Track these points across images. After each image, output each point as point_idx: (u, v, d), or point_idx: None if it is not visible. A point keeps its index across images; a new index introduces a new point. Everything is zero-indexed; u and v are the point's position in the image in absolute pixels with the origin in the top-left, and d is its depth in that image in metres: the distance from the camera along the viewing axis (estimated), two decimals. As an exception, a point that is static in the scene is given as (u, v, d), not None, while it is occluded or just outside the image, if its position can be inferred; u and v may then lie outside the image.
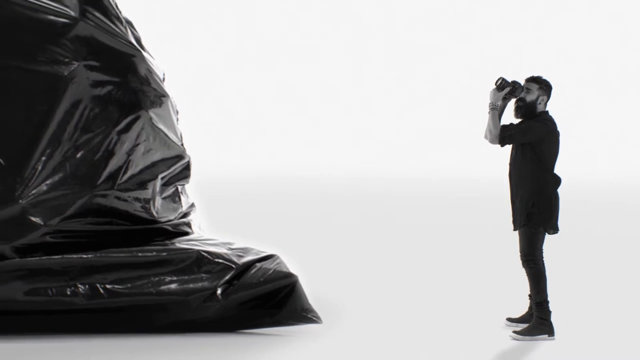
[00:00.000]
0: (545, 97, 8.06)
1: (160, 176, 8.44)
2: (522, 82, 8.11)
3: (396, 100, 28.40)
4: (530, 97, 8.03)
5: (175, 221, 8.57)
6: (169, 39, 27.49)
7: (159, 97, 8.39)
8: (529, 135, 7.93)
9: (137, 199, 8.24)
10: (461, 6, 28.47)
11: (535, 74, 8.19)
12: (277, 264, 8.26)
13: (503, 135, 7.94)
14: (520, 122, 8.07)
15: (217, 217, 10.60)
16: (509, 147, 8.19)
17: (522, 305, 8.70)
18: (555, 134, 8.02)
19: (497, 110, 7.99)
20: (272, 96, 29.15)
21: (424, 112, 27.91)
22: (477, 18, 28.27)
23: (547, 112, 8.08)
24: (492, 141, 8.00)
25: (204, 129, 27.16)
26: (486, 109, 8.07)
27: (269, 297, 8.11)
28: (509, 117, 8.21)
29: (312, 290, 8.57)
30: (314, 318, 8.18)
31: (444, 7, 28.59)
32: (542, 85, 8.08)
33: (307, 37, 29.09)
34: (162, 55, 9.37)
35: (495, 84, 7.99)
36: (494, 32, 28.11)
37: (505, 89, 7.98)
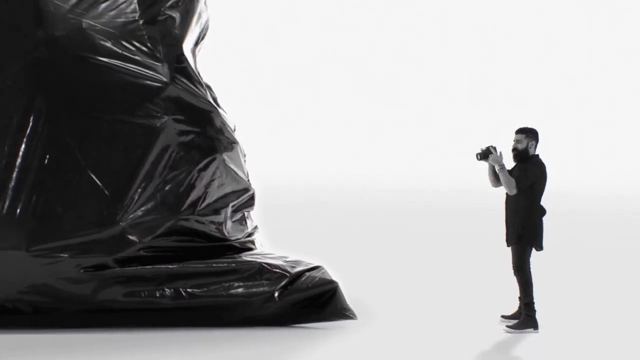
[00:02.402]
0: (534, 142, 8.77)
1: (230, 204, 9.03)
2: (513, 134, 8.84)
3: (435, 111, 26.10)
4: (521, 146, 8.78)
5: (242, 239, 9.12)
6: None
7: (231, 144, 9.08)
8: (529, 178, 8.71)
9: (212, 222, 8.86)
10: (476, 14, 26.29)
11: (522, 126, 8.85)
12: (322, 273, 8.92)
13: (517, 186, 8.71)
14: (518, 166, 8.81)
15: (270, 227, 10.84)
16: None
17: (513, 304, 9.11)
18: (545, 175, 8.75)
19: (505, 169, 8.72)
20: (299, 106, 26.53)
21: (462, 122, 25.47)
22: (486, 25, 26.27)
23: (537, 155, 8.80)
24: (511, 192, 8.73)
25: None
26: (486, 170, 8.93)
27: (315, 299, 8.81)
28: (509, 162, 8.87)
29: (349, 293, 9.03)
30: (351, 315, 8.87)
31: (454, 13, 26.39)
32: (529, 134, 8.78)
33: (355, 45, 26.58)
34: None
35: (479, 157, 8.76)
36: (500, 37, 26.20)
37: (488, 155, 8.72)
